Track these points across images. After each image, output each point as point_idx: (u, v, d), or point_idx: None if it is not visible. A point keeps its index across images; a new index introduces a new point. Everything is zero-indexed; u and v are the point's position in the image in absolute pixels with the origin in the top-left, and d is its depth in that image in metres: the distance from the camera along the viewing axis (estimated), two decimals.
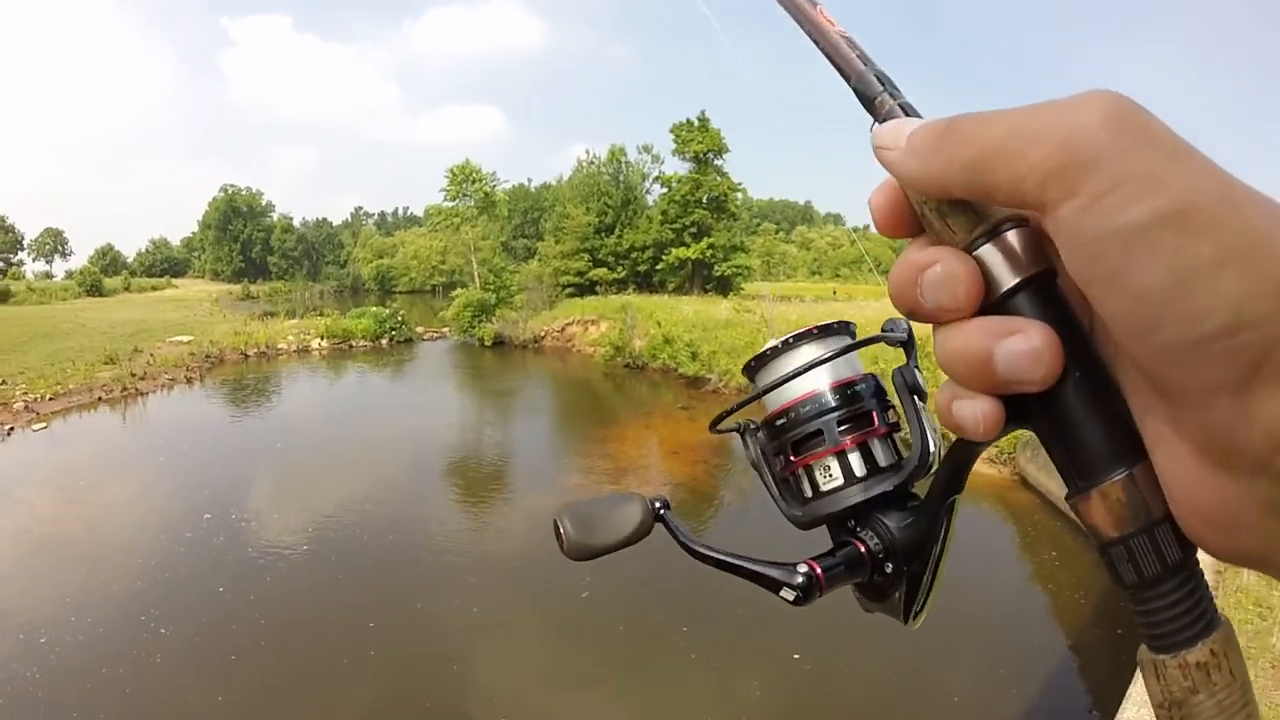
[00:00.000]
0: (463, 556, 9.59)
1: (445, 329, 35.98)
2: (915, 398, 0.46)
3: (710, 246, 42.45)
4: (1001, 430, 0.32)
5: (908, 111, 0.36)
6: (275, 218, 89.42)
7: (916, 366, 0.45)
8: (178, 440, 16.83)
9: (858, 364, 0.49)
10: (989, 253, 0.31)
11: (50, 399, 19.36)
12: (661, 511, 0.51)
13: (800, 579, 0.44)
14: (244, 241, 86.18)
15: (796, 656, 6.60)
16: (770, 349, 0.49)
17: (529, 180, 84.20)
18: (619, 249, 44.91)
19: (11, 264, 73.72)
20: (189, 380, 23.98)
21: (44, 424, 17.45)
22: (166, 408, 20.58)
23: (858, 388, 0.48)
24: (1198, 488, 0.27)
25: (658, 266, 44.15)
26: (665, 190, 44.80)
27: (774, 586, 0.44)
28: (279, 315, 39.30)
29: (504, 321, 32.50)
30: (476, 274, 37.63)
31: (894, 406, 0.48)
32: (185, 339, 29.93)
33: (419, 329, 36.47)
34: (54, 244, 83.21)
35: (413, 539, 10.08)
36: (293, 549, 9.76)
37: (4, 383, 19.79)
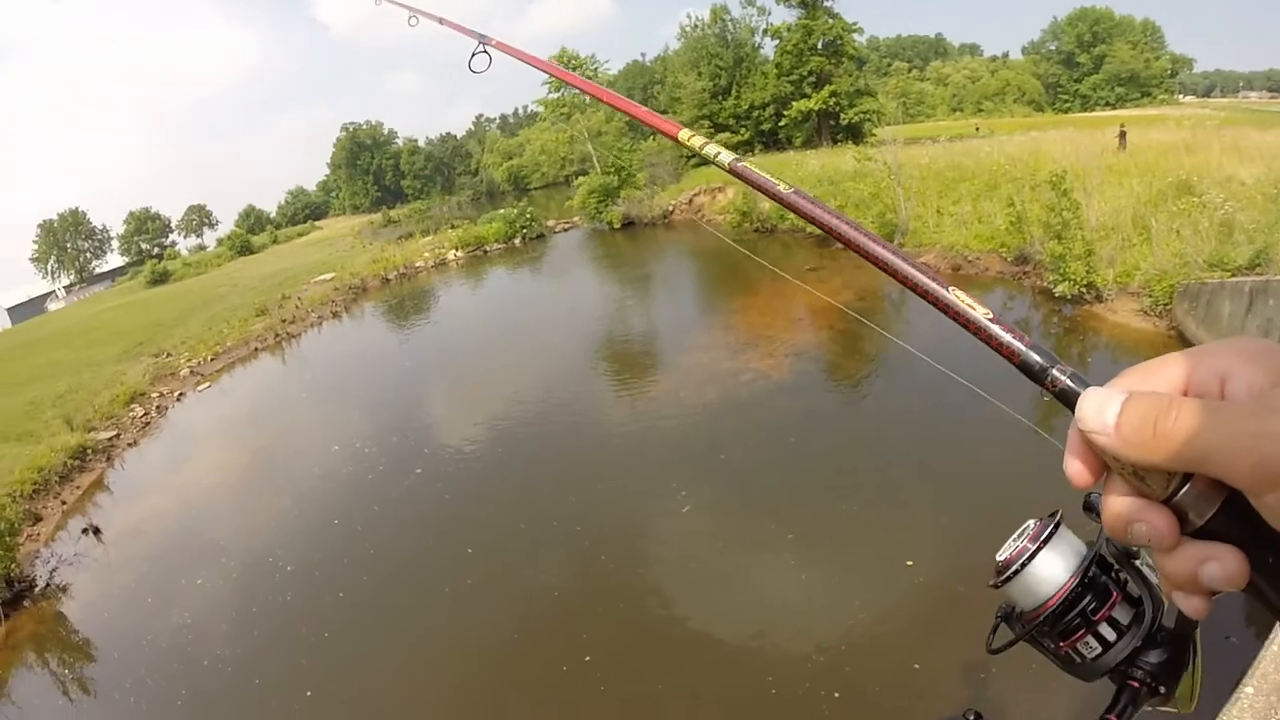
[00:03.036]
0: (626, 433, 10.96)
1: (576, 218, 35.81)
2: (1132, 561, 0.62)
3: (833, 94, 39.58)
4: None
5: (1075, 380, 0.47)
6: (400, 143, 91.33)
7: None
8: (339, 372, 17.96)
9: (1080, 545, 0.63)
10: (1184, 500, 0.40)
11: (211, 359, 20.75)
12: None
13: None
14: (374, 172, 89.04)
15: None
16: (1010, 570, 0.63)
17: (643, 55, 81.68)
18: (739, 110, 43.86)
19: (165, 247, 79.46)
20: (335, 314, 25.11)
21: (208, 383, 18.72)
22: (319, 344, 21.75)
23: (1090, 572, 0.61)
24: None
25: (781, 123, 42.29)
26: (777, 42, 42.42)
27: None
28: (415, 236, 40.13)
29: (630, 201, 32.04)
30: (595, 159, 37.44)
31: (1113, 566, 0.62)
32: (328, 276, 31.23)
33: (550, 222, 36.27)
34: (199, 218, 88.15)
35: (582, 422, 11.65)
36: (478, 443, 11.40)
37: (169, 355, 21.33)
